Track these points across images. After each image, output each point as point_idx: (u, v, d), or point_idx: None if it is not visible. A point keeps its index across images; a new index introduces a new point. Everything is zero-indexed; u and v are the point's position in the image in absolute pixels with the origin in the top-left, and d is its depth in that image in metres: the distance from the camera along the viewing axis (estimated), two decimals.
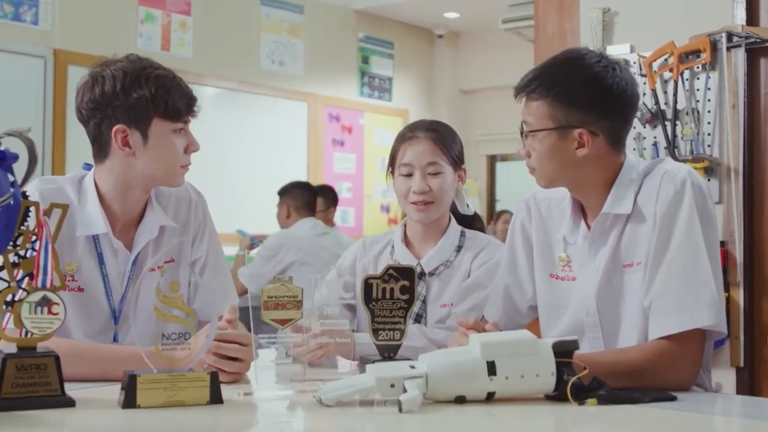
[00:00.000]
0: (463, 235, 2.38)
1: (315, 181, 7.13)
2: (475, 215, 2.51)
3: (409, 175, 2.31)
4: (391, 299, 1.76)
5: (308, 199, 5.24)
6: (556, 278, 1.99)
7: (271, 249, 4.76)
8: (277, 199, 5.29)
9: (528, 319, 2.11)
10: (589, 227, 1.93)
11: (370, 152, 8.21)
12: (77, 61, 5.89)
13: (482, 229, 2.47)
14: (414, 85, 8.80)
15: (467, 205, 2.44)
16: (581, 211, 1.97)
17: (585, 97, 1.83)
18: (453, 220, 2.40)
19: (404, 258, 2.35)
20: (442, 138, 2.32)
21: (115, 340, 2.01)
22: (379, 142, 8.28)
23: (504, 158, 9.11)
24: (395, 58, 8.58)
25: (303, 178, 7.35)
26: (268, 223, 5.77)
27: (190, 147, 2.02)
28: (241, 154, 6.87)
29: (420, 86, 8.87)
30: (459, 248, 2.35)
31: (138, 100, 1.93)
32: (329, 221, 5.57)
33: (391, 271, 1.77)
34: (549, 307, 2.01)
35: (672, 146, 3.14)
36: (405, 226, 2.42)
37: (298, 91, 7.52)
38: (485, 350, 1.56)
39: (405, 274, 1.77)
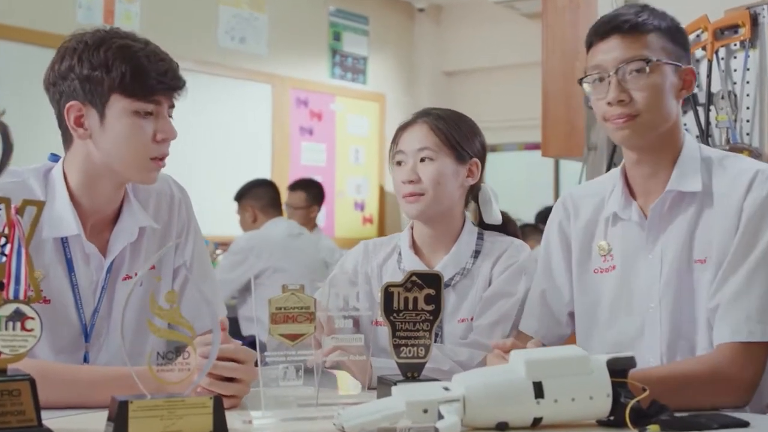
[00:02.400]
0: (480, 237, 2.35)
1: (280, 175, 7.11)
2: (508, 221, 2.46)
3: (401, 162, 2.30)
4: (415, 310, 1.74)
5: (273, 195, 5.21)
6: (600, 272, 2.03)
7: (240, 253, 4.72)
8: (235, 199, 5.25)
9: (568, 329, 2.13)
10: (642, 209, 1.97)
11: (342, 142, 8.18)
12: (7, 35, 5.78)
13: (515, 236, 2.43)
14: (392, 66, 8.78)
15: (494, 210, 2.40)
16: (630, 194, 2.01)
17: (683, 37, 1.94)
18: (468, 222, 2.37)
19: (413, 266, 2.31)
20: (442, 123, 2.30)
21: (85, 360, 1.97)
22: (353, 131, 8.26)
23: (494, 149, 9.11)
24: (370, 35, 8.55)
25: (267, 171, 7.32)
26: (229, 224, 5.71)
27: (158, 134, 1.93)
28: (195, 144, 6.79)
29: (399, 67, 8.85)
30: (476, 253, 2.32)
31: (93, 71, 1.88)
32: (310, 221, 5.54)
33: (414, 278, 1.74)
34: (590, 306, 2.03)
35: (705, 135, 3.14)
36: (412, 229, 2.39)
37: (261, 72, 7.46)
38: (531, 369, 1.53)
39: (430, 282, 1.75)
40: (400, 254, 2.36)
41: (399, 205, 2.37)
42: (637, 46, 1.88)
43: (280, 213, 5.13)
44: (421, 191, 2.26)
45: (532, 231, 6.11)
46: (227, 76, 7.17)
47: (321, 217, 7.89)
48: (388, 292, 1.73)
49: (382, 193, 8.52)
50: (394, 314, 1.73)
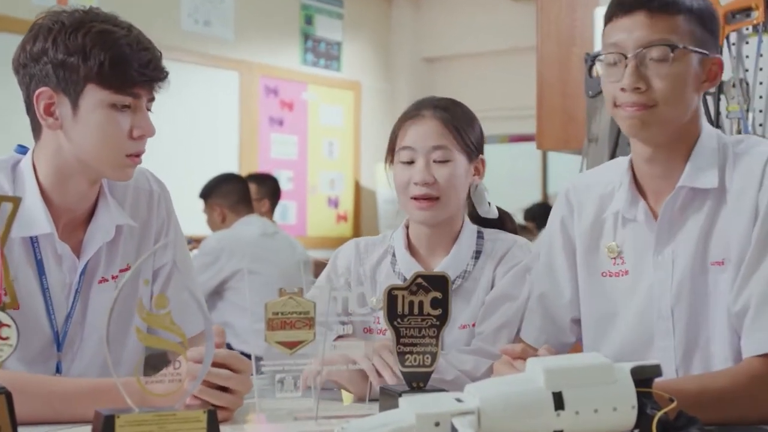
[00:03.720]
0: (481, 236, 2.35)
1: (248, 170, 7.06)
2: (504, 216, 2.46)
3: (411, 162, 2.27)
4: (420, 315, 1.74)
5: (242, 191, 5.18)
6: (609, 275, 2.00)
7: (210, 254, 4.69)
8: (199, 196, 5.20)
9: (573, 337, 2.11)
10: (650, 207, 1.93)
11: (315, 134, 8.16)
12: None
13: (514, 232, 2.43)
14: (368, 52, 8.77)
15: (489, 204, 2.41)
16: (638, 190, 1.98)
17: (714, 22, 1.88)
18: (467, 220, 2.37)
19: (410, 269, 2.29)
20: (454, 118, 2.29)
21: (57, 370, 1.95)
22: (327, 122, 8.23)
23: None
24: (345, 19, 8.53)
25: (233, 165, 7.28)
26: (194, 222, 5.67)
27: (135, 130, 1.92)
28: (156, 136, 6.74)
29: (375, 53, 8.84)
30: (477, 254, 2.31)
31: (68, 56, 1.85)
32: (264, 216, 5.51)
33: (419, 281, 1.74)
34: (599, 313, 2.02)
35: (715, 125, 3.15)
36: (407, 228, 2.37)
37: (228, 58, 7.42)
38: (550, 378, 1.52)
39: (437, 284, 1.75)
40: (394, 256, 2.35)
41: (399, 205, 2.33)
42: (664, 27, 1.82)
43: (251, 210, 5.09)
44: (437, 194, 2.23)
45: (522, 231, 6.11)
46: (190, 62, 7.13)
47: (292, 215, 7.90)
48: (391, 296, 1.72)
49: (358, 188, 8.50)
50: (398, 319, 1.73)
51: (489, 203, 2.40)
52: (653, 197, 1.94)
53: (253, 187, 5.54)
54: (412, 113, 2.31)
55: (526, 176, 8.62)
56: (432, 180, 2.23)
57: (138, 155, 1.95)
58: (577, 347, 2.13)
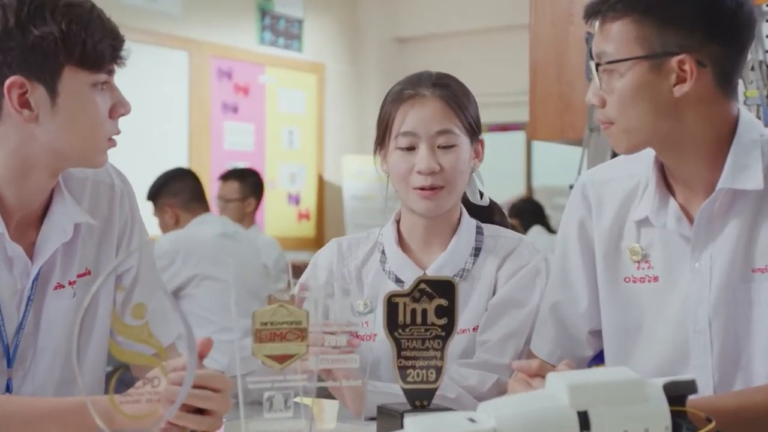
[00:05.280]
0: (480, 232, 2.35)
1: (199, 163, 7.05)
2: (493, 206, 2.47)
3: (412, 148, 2.26)
4: (424, 325, 1.73)
5: (194, 187, 5.12)
6: (634, 281, 2.00)
7: (164, 257, 4.64)
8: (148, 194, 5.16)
9: (590, 351, 2.11)
10: (682, 208, 1.93)
11: (273, 122, 8.16)
12: None
13: (504, 225, 2.43)
14: (333, 31, 8.77)
15: (480, 193, 2.41)
16: (667, 186, 1.97)
17: (687, 11, 1.83)
18: (465, 214, 2.37)
19: (401, 267, 2.30)
20: (456, 96, 2.28)
21: (8, 389, 1.92)
22: (286, 108, 8.24)
23: None
24: None
25: (182, 158, 7.25)
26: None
27: (118, 108, 1.94)
28: None
29: (341, 32, 8.84)
30: (477, 251, 2.32)
31: (42, 39, 1.83)
32: (247, 216, 5.49)
33: (422, 286, 1.73)
34: (622, 323, 2.01)
35: None
36: (398, 222, 2.37)
37: (175, 36, 7.39)
38: (575, 396, 1.51)
39: (442, 290, 1.75)
40: (383, 253, 2.34)
41: (398, 195, 2.31)
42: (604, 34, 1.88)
43: (206, 208, 5.04)
44: (443, 183, 2.23)
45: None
46: (133, 40, 6.95)
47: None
48: (392, 303, 1.72)
49: (322, 183, 8.50)
50: (399, 330, 1.72)
51: (481, 192, 2.39)
52: (683, 195, 1.94)
53: (234, 186, 5.50)
54: (409, 93, 2.28)
55: (509, 169, 8.65)
56: (438, 168, 2.22)
57: (114, 137, 1.97)
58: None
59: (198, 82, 7.60)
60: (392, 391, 1.89)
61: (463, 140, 2.27)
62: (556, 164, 8.16)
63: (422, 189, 2.23)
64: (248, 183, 5.63)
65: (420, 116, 2.25)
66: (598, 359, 2.20)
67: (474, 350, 2.22)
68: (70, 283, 1.98)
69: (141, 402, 1.46)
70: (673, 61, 1.82)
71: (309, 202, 8.43)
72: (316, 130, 8.50)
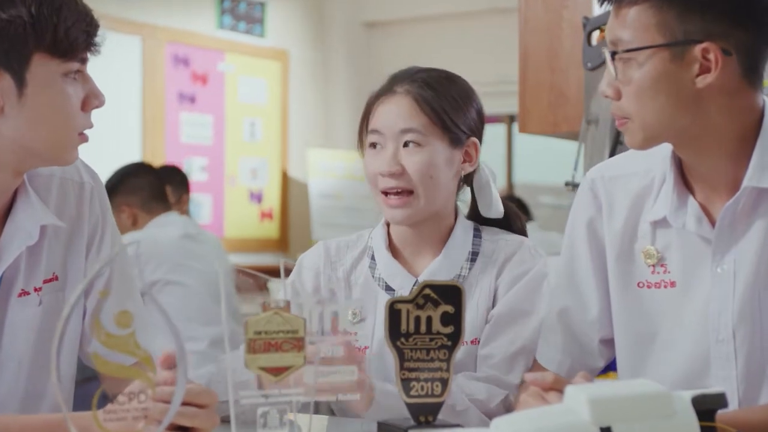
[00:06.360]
0: (478, 235, 2.35)
1: (153, 157, 7.00)
2: (511, 215, 2.43)
3: (379, 147, 2.27)
4: (429, 334, 1.74)
5: (154, 184, 5.08)
6: (648, 286, 2.00)
7: None
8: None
9: (602, 361, 2.12)
10: (702, 207, 1.93)
11: (233, 113, 8.15)
12: None
13: (523, 232, 2.41)
14: (297, 15, 8.76)
15: (493, 199, 2.39)
16: (685, 184, 1.97)
17: None
18: (461, 216, 2.37)
19: (392, 275, 2.30)
20: (428, 91, 2.27)
21: None
22: (248, 98, 8.23)
23: None
24: None
25: (135, 152, 7.22)
26: None
27: (92, 100, 1.94)
28: None
29: (306, 16, 8.83)
30: (474, 256, 2.31)
31: (9, 24, 1.83)
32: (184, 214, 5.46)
33: (427, 291, 1.73)
34: (636, 332, 2.02)
35: None
36: (388, 226, 2.37)
37: (127, 21, 7.36)
38: (597, 411, 1.51)
39: (447, 296, 1.75)
40: (373, 258, 2.34)
41: (375, 203, 2.31)
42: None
43: (167, 207, 5.00)
44: (409, 187, 2.22)
45: None
46: None
47: (206, 212, 7.85)
48: (394, 310, 1.71)
49: (286, 179, 8.49)
50: (402, 339, 1.72)
51: (493, 202, 2.37)
52: (704, 193, 1.94)
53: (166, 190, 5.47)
54: (386, 88, 2.31)
55: (488, 164, 8.65)
56: (399, 169, 2.22)
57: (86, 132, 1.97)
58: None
59: (152, 69, 7.57)
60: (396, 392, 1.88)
61: (434, 141, 2.25)
62: (540, 159, 8.20)
63: (387, 194, 2.24)
64: (175, 181, 5.56)
65: (387, 113, 2.27)
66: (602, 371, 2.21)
67: (472, 365, 2.22)
68: (35, 290, 1.98)
69: (127, 419, 1.44)
70: (697, 49, 1.82)
71: (272, 201, 8.41)
72: (279, 121, 8.48)
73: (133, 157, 6.82)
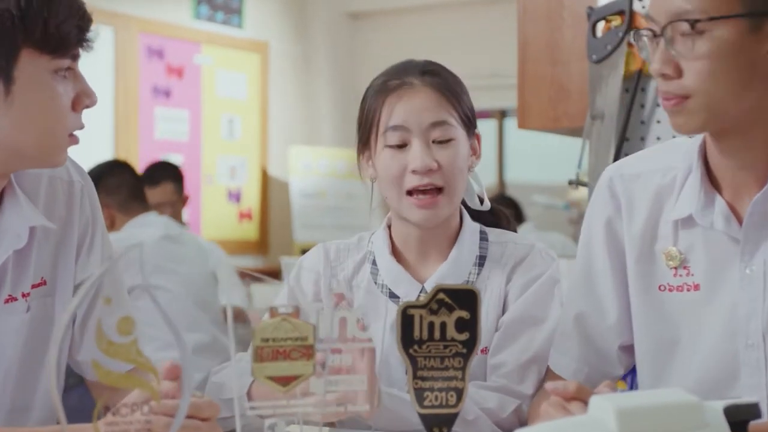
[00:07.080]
0: (484, 238, 2.34)
1: (126, 155, 6.98)
2: (498, 211, 2.45)
3: (403, 145, 2.24)
4: (443, 341, 1.71)
5: (132, 183, 5.05)
6: (670, 289, 1.99)
7: None
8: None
9: (621, 369, 2.12)
10: (730, 206, 1.92)
11: (211, 108, 8.16)
12: None
13: (513, 230, 2.43)
14: (277, 5, 8.78)
15: (480, 198, 2.40)
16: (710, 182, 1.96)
17: None
18: (466, 217, 2.37)
19: (396, 281, 2.30)
20: (448, 85, 2.28)
21: None
22: (226, 93, 8.24)
23: None
24: None
25: (107, 149, 7.20)
26: None
27: (83, 99, 1.94)
28: None
29: (286, 7, 8.85)
30: (482, 260, 2.31)
31: None
32: (178, 218, 5.45)
33: (441, 296, 1.71)
34: (658, 337, 2.01)
35: None
36: (389, 228, 2.36)
37: (99, 10, 7.22)
38: (625, 422, 1.51)
39: (463, 301, 1.72)
40: (374, 263, 2.33)
41: (390, 203, 2.29)
42: None
43: (146, 208, 4.98)
44: (442, 183, 2.22)
45: None
46: None
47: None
48: (406, 316, 1.69)
49: (265, 178, 8.48)
50: (415, 346, 1.69)
51: (480, 196, 2.40)
52: (731, 191, 1.93)
53: (168, 188, 5.43)
54: (395, 83, 2.27)
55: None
56: (435, 166, 2.21)
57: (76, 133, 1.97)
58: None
59: (125, 62, 7.57)
60: (407, 398, 1.88)
61: (461, 134, 2.26)
62: (534, 156, 8.22)
63: (418, 194, 2.22)
64: (179, 181, 5.57)
65: (410, 107, 2.24)
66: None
67: (481, 375, 2.22)
68: (23, 295, 1.97)
69: None
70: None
71: (251, 200, 8.42)
72: (259, 117, 8.49)
73: (106, 154, 6.80)
